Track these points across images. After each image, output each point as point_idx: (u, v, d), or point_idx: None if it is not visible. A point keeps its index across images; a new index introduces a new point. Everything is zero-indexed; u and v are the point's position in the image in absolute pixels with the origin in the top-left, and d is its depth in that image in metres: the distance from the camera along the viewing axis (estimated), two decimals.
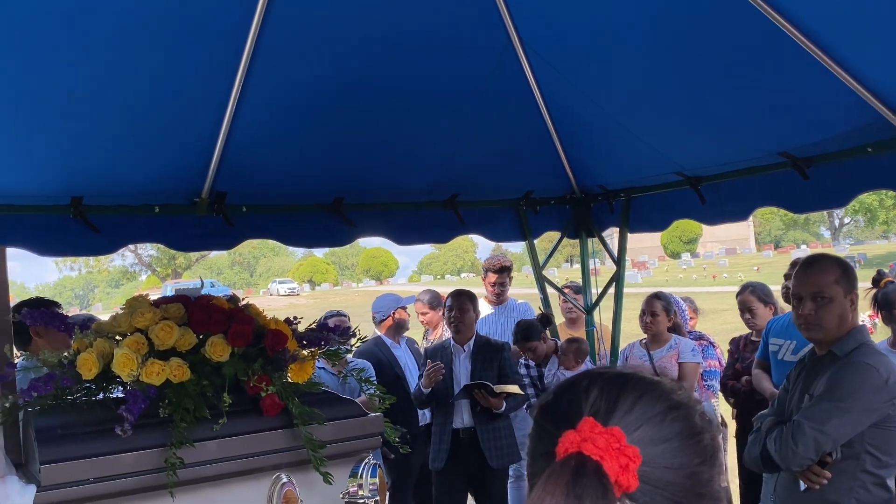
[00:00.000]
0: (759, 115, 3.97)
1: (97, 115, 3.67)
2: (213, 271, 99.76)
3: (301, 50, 3.72)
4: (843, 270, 3.24)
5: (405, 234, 5.13)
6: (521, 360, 5.79)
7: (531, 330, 5.66)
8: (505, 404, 5.21)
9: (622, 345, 5.85)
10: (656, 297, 5.55)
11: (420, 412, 5.86)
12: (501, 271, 6.49)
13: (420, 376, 5.38)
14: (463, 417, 5.25)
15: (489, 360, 5.35)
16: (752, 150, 4.29)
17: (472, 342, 5.42)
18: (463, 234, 5.35)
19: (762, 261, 54.85)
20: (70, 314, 3.46)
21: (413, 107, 4.28)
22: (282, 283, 69.27)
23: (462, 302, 5.42)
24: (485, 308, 6.55)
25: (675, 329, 5.58)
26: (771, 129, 4.05)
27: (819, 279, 3.22)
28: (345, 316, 5.56)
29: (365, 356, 5.76)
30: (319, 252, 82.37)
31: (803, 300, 3.23)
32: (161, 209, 4.37)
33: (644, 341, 5.55)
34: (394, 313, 6.19)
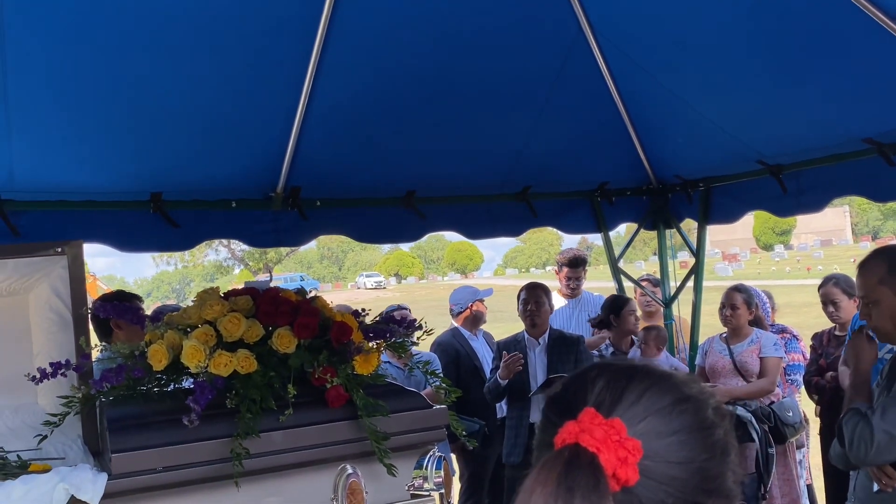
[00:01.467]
0: (842, 100, 3.81)
1: (174, 112, 3.77)
2: (303, 265, 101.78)
3: (370, 44, 3.74)
4: (888, 266, 2.91)
5: (476, 228, 5.10)
6: (596, 352, 5.68)
7: (622, 300, 5.62)
8: None
9: (702, 339, 5.70)
10: (736, 289, 5.38)
11: (498, 405, 5.82)
12: (575, 265, 6.39)
13: (494, 369, 5.33)
14: (539, 412, 5.18)
15: (565, 354, 5.28)
16: (835, 137, 4.12)
17: (546, 335, 5.36)
18: (535, 226, 5.29)
19: (859, 252, 52.68)
20: (156, 306, 3.54)
21: (484, 98, 4.25)
22: (369, 276, 70.12)
23: (538, 295, 5.34)
24: (558, 302, 6.46)
25: (757, 322, 5.40)
26: (855, 115, 3.88)
27: (864, 282, 2.97)
28: (406, 309, 5.56)
29: (443, 348, 5.76)
30: (405, 246, 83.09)
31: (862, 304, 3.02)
32: (238, 204, 4.45)
33: (724, 335, 5.38)
34: (471, 305, 6.17)
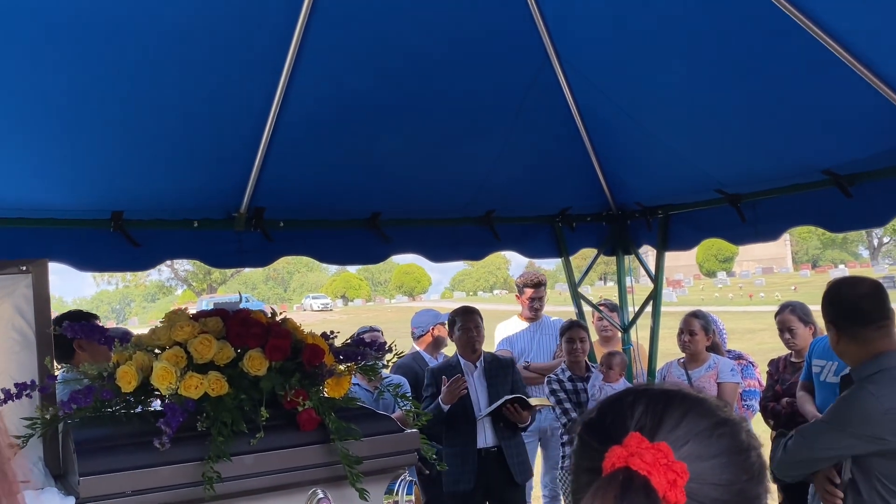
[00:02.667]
0: (802, 131, 3.91)
1: (138, 130, 3.72)
2: (247, 286, 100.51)
3: (339, 67, 3.74)
4: (833, 305, 3.16)
5: (439, 251, 5.13)
6: (554, 376, 5.72)
7: (582, 322, 5.70)
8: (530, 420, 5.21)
9: (659, 364, 5.78)
10: (694, 315, 5.47)
11: None
12: (538, 286, 6.46)
13: (429, 396, 5.26)
14: (486, 436, 5.18)
15: (501, 376, 5.31)
16: (794, 168, 4.23)
17: (482, 359, 5.36)
18: (498, 250, 5.34)
19: (799, 280, 54.05)
20: (107, 328, 3.48)
21: (450, 123, 4.28)
22: (315, 298, 69.58)
23: (478, 320, 5.33)
24: (518, 325, 6.51)
25: (714, 348, 5.49)
26: (814, 146, 3.99)
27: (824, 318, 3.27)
28: (378, 331, 5.55)
29: (403, 371, 5.75)
30: (353, 268, 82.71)
31: None
32: (200, 223, 4.41)
33: (682, 360, 5.47)
34: (433, 329, 6.17)
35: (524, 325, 6.49)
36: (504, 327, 6.62)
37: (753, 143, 4.17)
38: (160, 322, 2.98)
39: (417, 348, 6.20)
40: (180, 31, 3.29)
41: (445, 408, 5.05)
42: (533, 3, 3.73)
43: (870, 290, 3.17)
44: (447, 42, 3.76)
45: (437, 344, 6.18)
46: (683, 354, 5.46)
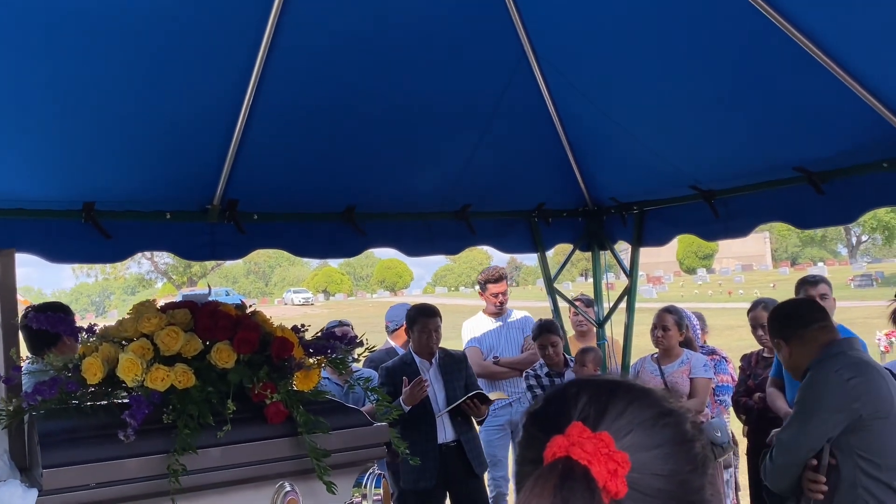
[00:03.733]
0: (774, 127, 3.94)
1: (110, 120, 3.68)
2: (228, 280, 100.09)
3: (314, 59, 3.73)
4: (776, 321, 3.57)
5: (415, 246, 5.12)
6: (532, 371, 5.73)
7: (552, 324, 5.70)
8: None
9: (633, 359, 5.80)
10: (667, 311, 5.49)
11: None
12: (500, 280, 6.46)
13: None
14: (446, 432, 5.21)
15: (456, 371, 5.38)
16: (766, 164, 4.26)
17: (436, 356, 5.38)
18: (474, 245, 5.33)
19: (778, 277, 54.43)
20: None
21: (426, 117, 4.27)
22: (296, 292, 69.41)
23: (437, 322, 5.36)
24: (483, 321, 6.50)
25: (687, 344, 5.51)
26: (786, 143, 4.02)
27: (771, 340, 3.63)
28: (348, 325, 5.52)
29: (375, 365, 5.74)
30: (334, 262, 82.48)
31: None
32: (172, 216, 4.37)
33: (655, 356, 5.49)
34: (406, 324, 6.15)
35: (490, 320, 6.49)
36: (470, 325, 6.60)
37: (727, 140, 4.20)
38: (128, 314, 2.96)
39: (392, 343, 6.19)
40: (152, 20, 3.26)
41: (406, 409, 5.01)
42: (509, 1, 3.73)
43: (803, 300, 3.83)
44: (422, 36, 3.75)
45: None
46: (657, 350, 5.48)
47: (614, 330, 5.93)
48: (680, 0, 3.39)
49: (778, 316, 3.58)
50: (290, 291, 71.74)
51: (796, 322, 3.44)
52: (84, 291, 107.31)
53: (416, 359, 5.33)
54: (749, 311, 5.44)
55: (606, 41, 3.81)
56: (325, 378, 4.75)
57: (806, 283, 5.06)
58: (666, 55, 3.75)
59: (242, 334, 2.84)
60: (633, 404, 1.04)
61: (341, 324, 5.51)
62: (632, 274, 5.65)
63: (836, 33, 3.18)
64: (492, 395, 5.31)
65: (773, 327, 3.57)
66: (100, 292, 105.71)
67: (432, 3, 3.63)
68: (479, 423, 5.34)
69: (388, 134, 4.31)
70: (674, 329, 5.37)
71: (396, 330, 6.18)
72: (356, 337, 3.23)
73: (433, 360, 5.34)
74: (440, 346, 5.43)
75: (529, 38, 3.96)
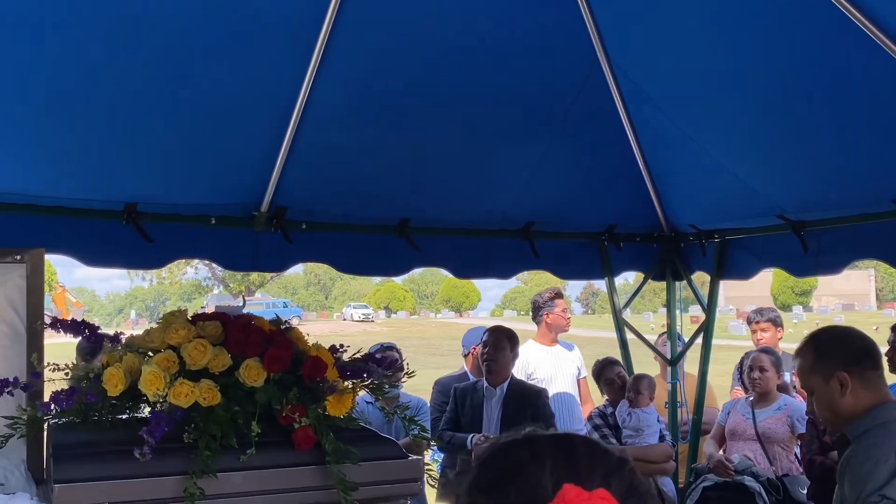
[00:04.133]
0: (871, 156, 3.82)
1: (155, 116, 3.75)
2: (287, 291, 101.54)
3: (371, 61, 3.74)
4: (816, 354, 2.94)
5: (466, 267, 5.08)
6: (596, 410, 5.63)
7: (611, 358, 5.63)
8: None
9: (707, 402, 5.65)
10: (764, 351, 5.35)
11: None
12: (562, 296, 6.29)
13: (449, 411, 5.21)
14: None
15: (523, 407, 5.11)
16: (861, 196, 4.12)
17: (505, 385, 5.18)
18: (532, 268, 5.25)
19: (882, 320, 52.48)
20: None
21: (489, 126, 4.25)
22: (356, 307, 69.94)
23: (498, 338, 5.19)
24: (538, 352, 6.21)
25: (783, 389, 5.36)
26: (885, 174, 3.88)
27: (799, 371, 3.06)
28: (393, 349, 5.43)
29: (442, 387, 5.70)
30: (398, 278, 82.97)
31: None
32: (217, 220, 4.41)
33: (750, 399, 5.34)
34: (474, 349, 6.06)
35: (547, 348, 6.19)
36: (522, 355, 6.11)
37: (819, 167, 4.08)
38: (157, 323, 2.98)
39: (465, 368, 6.14)
40: (203, 16, 3.31)
41: (470, 447, 4.92)
42: (583, 4, 3.69)
43: (859, 335, 3.01)
44: (487, 39, 3.74)
45: (479, 364, 5.99)
46: (751, 394, 5.31)
47: (692, 367, 5.79)
48: (772, 13, 3.30)
49: (842, 345, 2.96)
50: (350, 306, 72.32)
51: (868, 359, 2.90)
52: (139, 295, 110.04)
53: (485, 385, 5.21)
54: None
55: (690, 53, 3.74)
56: (369, 403, 4.71)
57: None
58: (754, 72, 3.66)
59: (274, 351, 2.83)
60: (596, 454, 1.04)
61: (385, 348, 5.41)
62: (710, 308, 5.51)
63: None
64: None
65: (835, 359, 2.89)
66: (154, 297, 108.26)
67: (500, 6, 3.60)
68: None
69: (449, 143, 4.30)
70: (771, 370, 5.21)
71: (467, 356, 6.13)
72: (396, 361, 3.19)
73: (498, 389, 5.17)
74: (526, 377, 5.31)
75: (603, 44, 3.91)
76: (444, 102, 4.03)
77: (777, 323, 6.11)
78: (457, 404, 5.17)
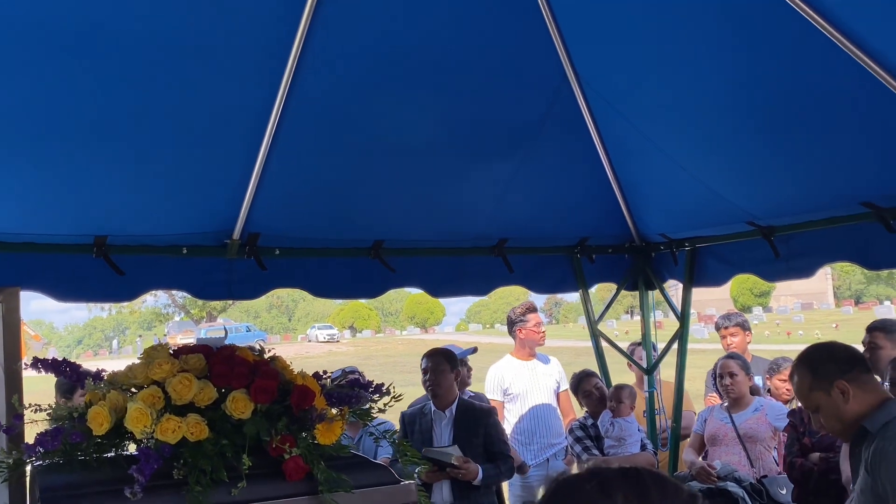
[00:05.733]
0: (839, 160, 3.86)
1: (123, 148, 3.70)
2: (249, 315, 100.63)
3: (340, 86, 3.73)
4: (812, 372, 3.12)
5: (441, 285, 5.08)
6: (577, 422, 5.63)
7: (588, 371, 5.59)
8: (481, 473, 4.82)
9: (685, 408, 5.69)
10: (731, 357, 5.41)
11: None
12: (535, 310, 6.21)
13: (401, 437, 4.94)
14: (443, 494, 4.88)
15: (473, 427, 5.01)
16: (830, 199, 4.17)
17: (454, 406, 5.06)
18: (507, 284, 5.24)
19: (841, 317, 53.56)
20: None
21: (460, 144, 4.25)
22: (321, 328, 69.48)
23: (437, 362, 5.06)
24: (513, 366, 6.16)
25: (754, 392, 5.43)
26: (853, 176, 3.93)
27: (798, 394, 3.23)
28: (354, 373, 5.32)
29: (412, 411, 5.63)
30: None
31: None
32: (189, 251, 4.37)
33: (724, 405, 5.39)
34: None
35: (524, 363, 6.14)
36: (498, 370, 6.21)
37: (786, 172, 4.12)
38: (139, 358, 2.94)
39: None
40: (171, 44, 3.27)
41: (418, 480, 4.73)
42: (549, 19, 3.71)
43: (846, 344, 3.26)
44: (457, 61, 3.74)
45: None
46: (724, 400, 5.37)
47: (664, 373, 5.82)
48: (736, 21, 3.33)
49: (832, 357, 3.13)
50: (315, 327, 71.84)
51: (860, 364, 3.09)
52: (98, 326, 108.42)
53: (433, 408, 5.10)
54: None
55: (656, 67, 3.77)
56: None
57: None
58: (721, 80, 3.69)
59: (260, 382, 2.80)
60: (667, 490, 1.05)
61: (345, 373, 5.28)
62: (683, 316, 5.56)
63: None
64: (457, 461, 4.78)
65: (829, 371, 3.07)
66: (114, 327, 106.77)
67: (467, 27, 3.61)
68: (476, 486, 4.87)
69: (419, 163, 4.29)
70: (741, 374, 5.29)
71: None
72: (381, 385, 3.18)
73: (447, 412, 5.05)
74: (469, 394, 5.20)
75: (570, 58, 3.93)
76: (414, 125, 4.03)
77: (745, 327, 6.21)
78: (405, 431, 5.06)
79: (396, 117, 3.99)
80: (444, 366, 5.06)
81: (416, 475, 4.65)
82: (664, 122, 4.19)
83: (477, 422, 5.02)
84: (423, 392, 5.91)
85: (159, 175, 3.93)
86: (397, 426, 5.26)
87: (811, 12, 3.00)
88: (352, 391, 3.08)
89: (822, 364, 3.11)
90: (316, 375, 3.11)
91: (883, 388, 3.15)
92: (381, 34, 3.51)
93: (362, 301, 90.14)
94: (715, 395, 5.71)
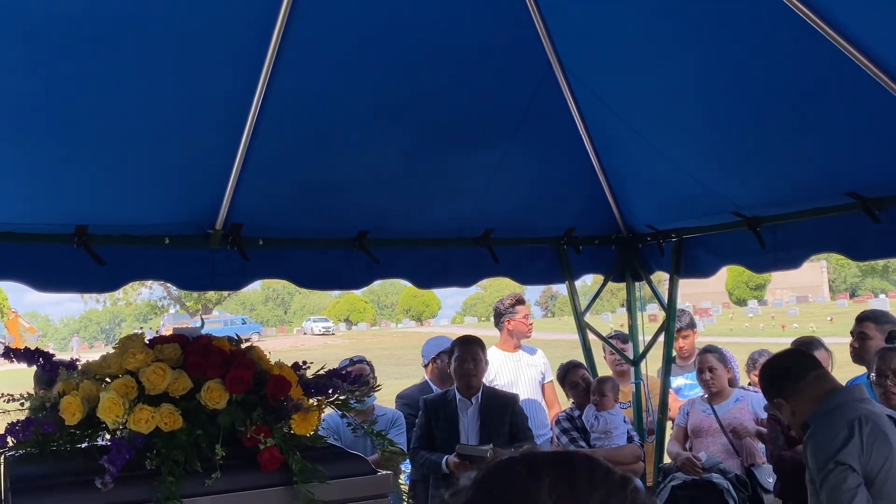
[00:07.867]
0: (824, 150, 3.85)
1: (104, 135, 3.67)
2: (245, 307, 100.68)
3: (323, 72, 3.70)
4: (762, 390, 3.63)
5: (426, 277, 5.05)
6: (563, 413, 5.61)
7: (575, 362, 5.59)
8: None
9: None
10: (707, 350, 5.45)
11: None
12: (523, 302, 6.20)
13: (421, 426, 5.06)
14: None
15: (500, 415, 5.00)
16: (816, 190, 4.16)
17: (479, 394, 5.05)
18: (493, 275, 5.23)
19: (836, 310, 53.64)
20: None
21: (445, 135, 4.23)
22: (316, 321, 69.52)
23: (475, 352, 5.04)
24: (501, 358, 6.12)
25: (733, 384, 5.45)
26: (838, 167, 3.92)
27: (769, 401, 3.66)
28: (363, 363, 5.36)
29: (406, 401, 5.64)
30: (358, 290, 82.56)
31: None
32: (171, 241, 4.34)
33: (705, 396, 5.41)
34: (434, 358, 5.97)
35: (509, 354, 6.11)
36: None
37: (771, 162, 4.10)
38: (114, 348, 2.91)
39: (427, 378, 6.05)
40: (152, 34, 3.25)
41: (445, 469, 4.78)
42: (534, 9, 3.68)
43: (790, 353, 3.81)
44: (440, 48, 3.72)
45: (442, 374, 5.95)
46: (705, 393, 5.37)
47: (651, 367, 5.80)
48: (722, 13, 3.31)
49: (769, 376, 3.58)
50: (310, 320, 71.88)
51: (791, 377, 3.46)
52: (93, 318, 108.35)
53: (457, 395, 5.05)
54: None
55: (642, 56, 3.74)
56: (342, 417, 4.59)
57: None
58: (707, 71, 3.67)
59: (235, 372, 2.78)
60: (596, 473, 1.04)
61: (353, 362, 5.30)
62: (670, 307, 5.54)
63: (894, 50, 3.08)
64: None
65: (767, 388, 3.57)
66: (110, 319, 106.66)
67: (451, 16, 3.59)
68: None
69: (405, 153, 4.28)
70: (720, 367, 5.35)
71: (427, 365, 6.02)
72: (361, 376, 3.16)
73: (474, 400, 5.03)
74: (486, 383, 5.20)
75: (555, 49, 3.90)
76: (398, 114, 4.00)
77: (693, 325, 6.37)
78: (429, 418, 5.04)
79: (379, 108, 3.96)
80: (481, 354, 5.09)
81: (443, 465, 4.76)
82: (650, 112, 4.17)
83: (503, 409, 5.04)
84: (417, 383, 5.92)
85: (141, 164, 3.90)
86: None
87: (803, 7, 2.98)
88: (330, 382, 3.06)
89: (764, 386, 3.60)
90: (295, 366, 3.09)
91: (829, 384, 3.40)
92: (364, 21, 3.48)
93: (358, 294, 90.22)
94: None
